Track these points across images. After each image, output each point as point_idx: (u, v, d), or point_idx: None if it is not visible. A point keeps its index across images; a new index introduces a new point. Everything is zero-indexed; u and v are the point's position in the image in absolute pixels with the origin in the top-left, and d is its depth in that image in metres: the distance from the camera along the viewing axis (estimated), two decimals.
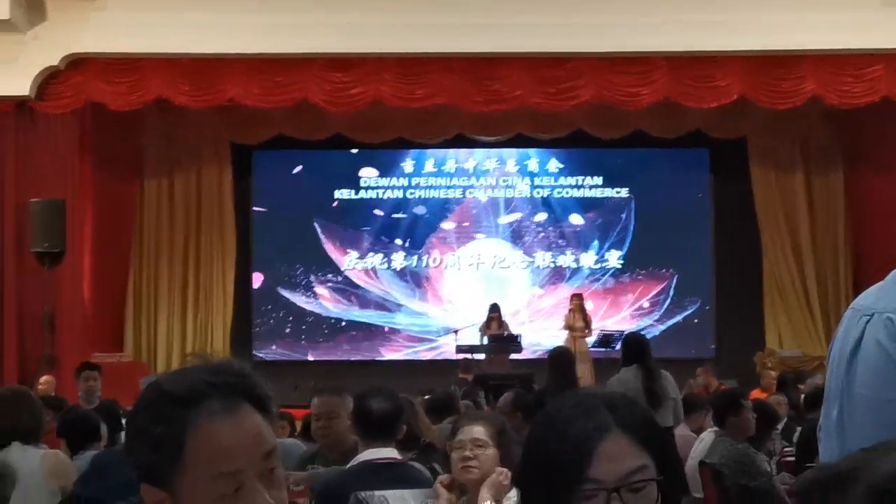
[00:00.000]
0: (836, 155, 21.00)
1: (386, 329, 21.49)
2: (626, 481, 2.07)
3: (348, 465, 5.82)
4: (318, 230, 21.50)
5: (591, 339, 18.79)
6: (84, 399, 11.95)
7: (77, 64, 17.57)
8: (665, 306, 21.55)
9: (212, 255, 20.94)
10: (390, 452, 5.72)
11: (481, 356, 18.26)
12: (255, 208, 21.61)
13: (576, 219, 21.68)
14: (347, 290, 21.49)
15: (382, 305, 21.49)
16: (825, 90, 17.92)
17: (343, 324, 21.44)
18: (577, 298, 19.45)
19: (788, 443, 10.83)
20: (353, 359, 20.98)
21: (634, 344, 11.32)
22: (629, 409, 2.16)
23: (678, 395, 11.09)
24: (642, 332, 16.32)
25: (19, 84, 17.23)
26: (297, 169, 21.64)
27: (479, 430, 4.95)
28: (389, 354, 21.36)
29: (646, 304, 21.56)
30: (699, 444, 9.37)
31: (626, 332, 18.86)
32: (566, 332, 18.88)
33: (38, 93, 17.48)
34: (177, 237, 20.98)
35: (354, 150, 21.40)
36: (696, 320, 21.56)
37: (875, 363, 2.84)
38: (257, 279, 21.52)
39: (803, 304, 20.76)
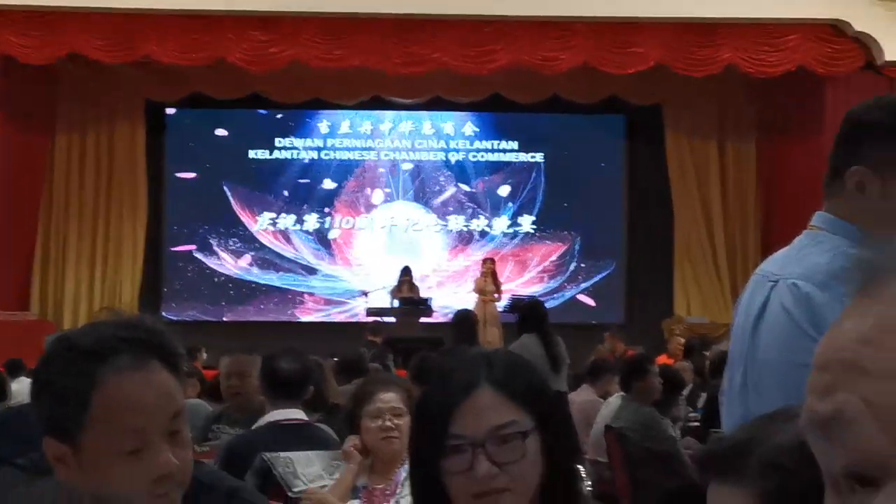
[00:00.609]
0: (750, 124, 21.17)
1: (298, 291, 21.41)
2: (493, 435, 2.07)
3: (255, 426, 5.80)
4: (231, 191, 21.36)
5: (501, 304, 18.82)
6: None
7: None
8: (576, 272, 21.65)
9: (122, 214, 20.70)
10: (297, 413, 5.70)
11: (392, 319, 18.25)
12: (168, 167, 21.40)
13: (489, 183, 21.70)
14: (259, 251, 21.38)
15: (294, 267, 21.41)
16: (741, 59, 18.04)
17: (254, 286, 21.34)
18: (489, 262, 19.44)
19: (693, 409, 10.96)
20: (263, 320, 20.88)
21: (533, 310, 11.47)
22: (505, 366, 2.15)
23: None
24: (545, 298, 16.44)
25: None
26: (212, 128, 21.45)
27: (395, 398, 4.86)
28: (301, 316, 21.30)
29: (556, 270, 21.64)
30: (605, 408, 9.45)
31: (534, 299, 19.04)
32: (477, 295, 18.88)
33: None
34: (87, 194, 20.72)
35: (270, 110, 21.24)
36: (606, 286, 21.69)
37: (780, 328, 2.87)
38: (169, 239, 21.33)
39: (712, 272, 20.93)
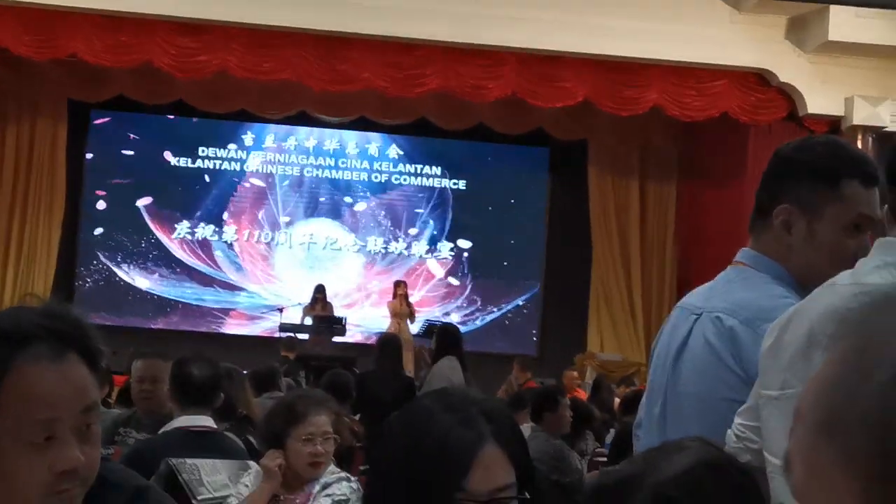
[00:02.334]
0: (671, 164, 21.39)
1: (213, 303, 21.26)
2: (496, 496, 2.03)
3: (162, 431, 5.73)
4: (151, 197, 21.21)
5: (414, 327, 18.80)
6: None
7: None
8: (491, 301, 21.69)
9: (39, 212, 20.49)
10: (206, 420, 5.64)
11: (305, 336, 18.18)
12: (87, 169, 21.20)
13: (411, 206, 21.69)
14: (174, 261, 21.23)
15: (210, 279, 21.27)
16: (667, 101, 18.16)
17: (168, 294, 21.17)
18: (402, 285, 19.44)
19: (600, 444, 10.99)
20: (176, 329, 20.70)
21: (450, 335, 11.63)
22: (505, 422, 2.11)
23: None
24: (459, 324, 16.45)
25: None
26: (135, 132, 21.28)
27: (326, 421, 4.82)
28: (214, 327, 21.15)
29: (472, 298, 21.67)
30: None
31: (451, 324, 19.04)
32: (390, 317, 18.86)
33: None
34: (4, 189, 20.48)
35: (195, 119, 21.11)
36: (520, 317, 21.75)
37: (702, 360, 2.88)
38: (84, 242, 21.12)
39: (627, 310, 21.06)
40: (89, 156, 21.24)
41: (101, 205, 21.16)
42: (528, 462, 2.14)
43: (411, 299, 19.55)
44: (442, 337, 11.54)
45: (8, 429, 2.00)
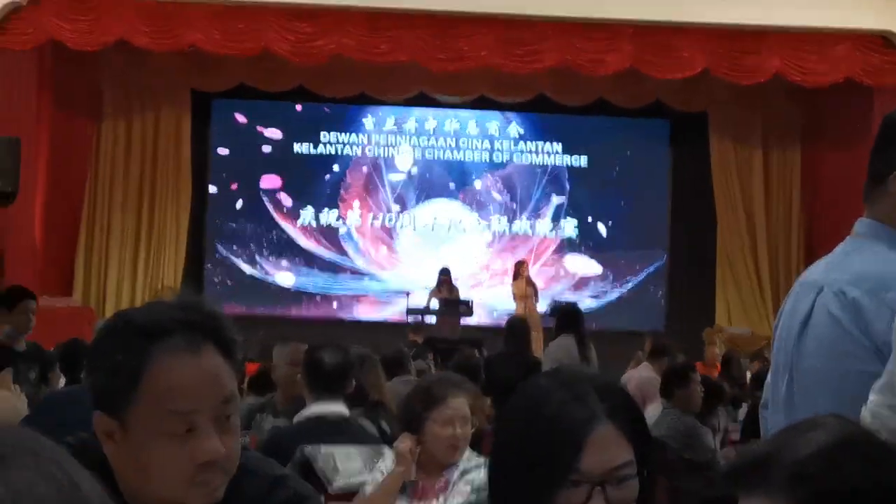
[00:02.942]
0: (795, 131, 21.09)
1: (340, 289, 21.37)
2: (612, 475, 2.03)
3: (296, 419, 5.78)
4: (275, 184, 21.37)
5: (541, 306, 18.74)
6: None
7: (39, 0, 17.35)
8: (617, 277, 21.57)
9: (167, 202, 20.76)
10: (339, 407, 5.67)
11: (432, 319, 18.22)
12: (212, 157, 21.42)
13: (533, 184, 21.63)
14: (299, 247, 21.37)
15: (336, 265, 21.39)
16: (788, 67, 17.94)
17: (294, 282, 21.31)
18: (524, 266, 19.37)
19: (734, 420, 10.90)
20: (304, 316, 20.86)
21: (570, 313, 11.75)
22: (620, 399, 2.10)
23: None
24: (586, 302, 16.42)
25: None
26: (256, 119, 21.46)
27: (464, 404, 4.72)
28: (341, 314, 21.26)
29: (597, 274, 21.57)
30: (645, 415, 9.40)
31: (571, 303, 19.03)
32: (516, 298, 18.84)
33: None
34: (132, 181, 20.77)
35: (315, 104, 21.22)
36: (647, 292, 21.60)
37: (828, 335, 2.85)
38: (211, 230, 21.34)
39: (754, 281, 20.82)
40: (213, 145, 21.42)
41: (225, 193, 21.35)
42: (648, 439, 2.13)
43: (536, 278, 19.48)
44: (558, 316, 11.67)
45: (150, 421, 2.04)
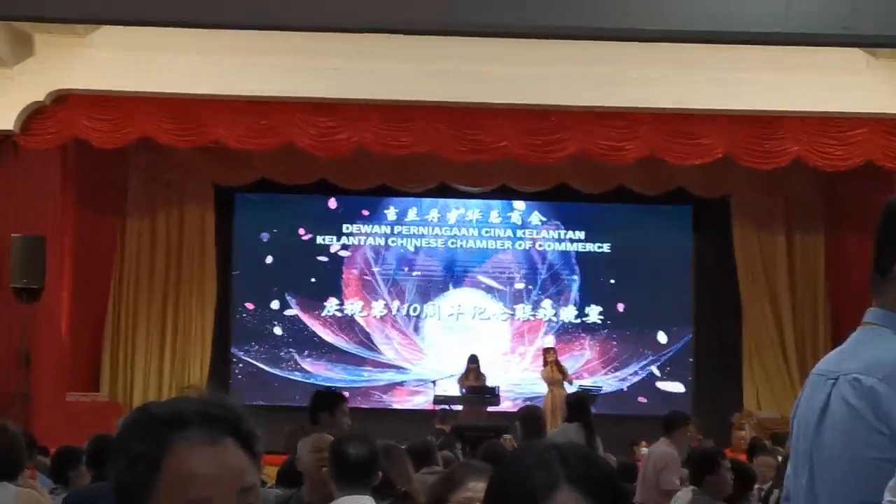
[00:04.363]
0: (818, 215, 21.05)
1: (365, 380, 21.34)
2: None
3: None
4: (298, 277, 21.42)
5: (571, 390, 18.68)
6: None
7: (62, 100, 17.56)
8: (642, 362, 21.50)
9: (192, 297, 20.82)
10: (366, 500, 5.65)
11: (459, 407, 18.18)
12: (236, 251, 21.49)
13: (557, 272, 21.65)
14: (324, 338, 21.37)
15: (359, 354, 21.38)
16: (808, 152, 17.97)
17: (320, 374, 21.26)
18: (552, 352, 19.39)
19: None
20: None
21: (579, 402, 12.03)
22: (583, 463, 2.12)
23: None
24: (610, 387, 16.35)
25: (4, 118, 17.24)
26: (278, 212, 21.55)
27: (484, 488, 4.71)
28: (367, 403, 21.21)
29: (621, 359, 21.50)
30: (675, 502, 9.34)
31: (601, 388, 19.00)
32: (546, 385, 18.81)
33: (23, 128, 17.46)
34: (157, 277, 20.86)
35: (337, 196, 21.31)
36: (671, 377, 21.50)
37: (845, 424, 2.84)
38: (237, 325, 21.37)
39: (782, 365, 20.72)
40: (237, 239, 21.50)
41: (248, 286, 21.41)
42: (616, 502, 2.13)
43: (563, 364, 19.48)
44: (570, 404, 11.89)
45: None
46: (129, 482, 2.07)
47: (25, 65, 17.24)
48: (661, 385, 21.46)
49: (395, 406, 21.13)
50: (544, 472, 2.08)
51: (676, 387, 21.48)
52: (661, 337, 21.47)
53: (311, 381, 21.11)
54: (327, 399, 8.48)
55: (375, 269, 21.54)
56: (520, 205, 21.76)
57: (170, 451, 2.04)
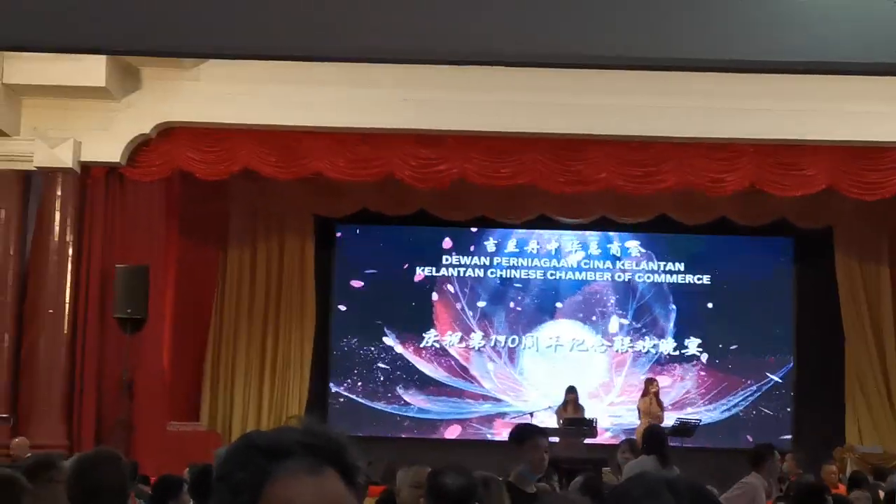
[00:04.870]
0: None
1: (463, 411, 21.35)
2: None
3: None
4: (398, 307, 21.50)
5: (665, 425, 18.56)
6: None
7: (167, 132, 17.82)
8: (741, 396, 21.30)
9: (291, 328, 20.95)
10: None
11: (556, 439, 18.11)
12: (336, 283, 21.62)
13: (656, 303, 21.54)
14: (423, 370, 21.42)
15: (458, 386, 21.38)
16: None
17: (420, 407, 21.33)
18: (654, 384, 19.29)
19: None
20: (426, 437, 20.87)
21: (656, 436, 11.99)
22: (692, 493, 2.11)
23: None
24: (710, 420, 16.25)
25: (111, 150, 17.53)
26: (379, 244, 21.65)
27: None
28: (464, 434, 21.23)
29: (722, 393, 21.32)
30: None
31: (700, 420, 18.84)
32: (642, 416, 18.69)
33: (129, 160, 17.74)
34: (257, 307, 21.02)
35: (436, 227, 21.36)
36: (773, 410, 21.29)
37: None
38: (335, 357, 21.48)
39: (885, 398, 20.45)
40: (337, 272, 21.62)
41: (348, 317, 21.52)
42: None
43: (662, 397, 19.34)
44: (647, 438, 12.00)
45: None
46: None
47: (132, 98, 17.52)
48: (761, 417, 21.23)
49: (495, 437, 21.09)
50: (655, 500, 2.08)
51: (777, 420, 21.24)
52: (763, 369, 21.26)
53: (409, 413, 21.19)
54: (519, 433, 8.46)
55: (474, 301, 21.55)
56: (619, 237, 21.69)
57: (271, 480, 2.06)
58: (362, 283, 21.56)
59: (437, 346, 21.47)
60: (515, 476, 7.87)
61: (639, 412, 18.79)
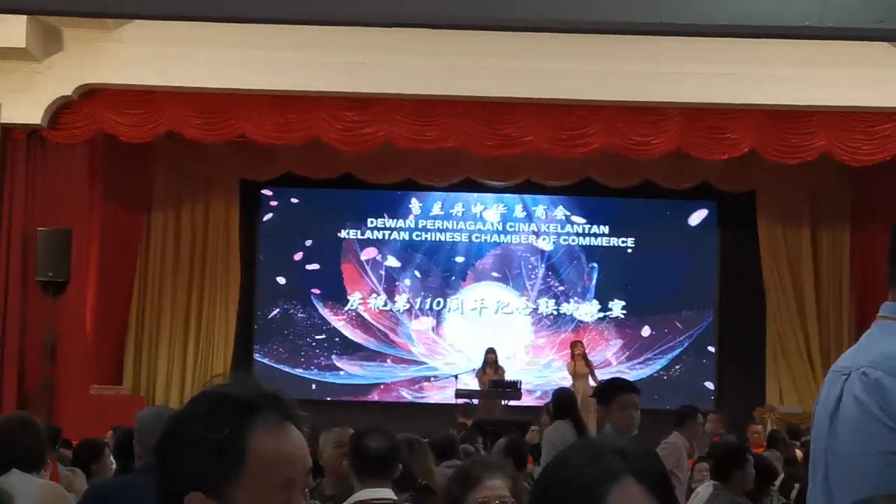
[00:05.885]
0: (844, 210, 20.96)
1: (388, 374, 21.37)
2: None
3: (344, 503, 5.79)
4: (321, 271, 21.47)
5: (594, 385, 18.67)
6: None
7: (90, 94, 17.63)
8: (665, 356, 21.47)
9: (216, 290, 20.89)
10: (386, 492, 5.68)
11: (477, 401, 18.18)
12: (261, 245, 21.56)
13: (580, 266, 21.64)
14: (347, 334, 21.42)
15: (382, 350, 21.39)
16: (835, 147, 17.92)
17: (342, 369, 21.34)
18: (579, 346, 19.40)
19: (786, 499, 10.77)
20: (351, 399, 20.89)
21: (566, 399, 11.73)
22: (641, 457, 2.06)
23: None
24: (635, 379, 16.32)
25: (32, 113, 17.30)
26: (304, 207, 21.59)
27: (502, 485, 4.70)
28: (389, 397, 21.27)
29: (644, 355, 21.47)
30: (695, 496, 9.30)
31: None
32: (570, 379, 18.79)
33: (51, 122, 17.52)
34: (181, 270, 20.93)
35: (362, 191, 21.31)
36: (695, 373, 21.48)
37: (854, 419, 2.84)
38: (260, 319, 21.45)
39: (805, 360, 20.66)
40: (261, 234, 21.57)
41: (273, 281, 21.48)
42: (671, 496, 2.08)
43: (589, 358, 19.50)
44: (557, 402, 11.72)
45: (255, 494, 2.08)
46: (209, 469, 2.08)
47: (54, 59, 17.30)
48: (683, 380, 21.41)
49: (418, 400, 21.16)
50: (600, 466, 2.02)
51: (699, 383, 21.44)
52: (686, 331, 21.44)
53: (334, 379, 21.20)
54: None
55: (399, 264, 21.56)
56: (544, 200, 21.75)
57: (253, 434, 2.08)
58: (288, 247, 21.49)
59: (361, 310, 21.46)
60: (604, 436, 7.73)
61: (572, 376, 18.90)
